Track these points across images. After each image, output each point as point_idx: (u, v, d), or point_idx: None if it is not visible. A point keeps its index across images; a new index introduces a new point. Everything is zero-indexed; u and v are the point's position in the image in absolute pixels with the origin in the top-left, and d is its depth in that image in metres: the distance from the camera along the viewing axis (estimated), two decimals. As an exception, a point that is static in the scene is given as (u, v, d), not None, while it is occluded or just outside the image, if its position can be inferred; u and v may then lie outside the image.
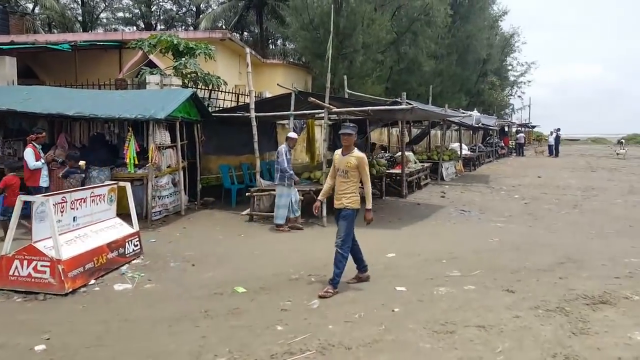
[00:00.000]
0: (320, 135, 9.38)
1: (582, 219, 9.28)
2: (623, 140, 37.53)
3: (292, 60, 22.63)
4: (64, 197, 5.55)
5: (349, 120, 9.47)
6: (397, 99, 9.68)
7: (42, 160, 7.76)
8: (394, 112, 10.10)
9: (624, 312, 4.05)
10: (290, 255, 6.49)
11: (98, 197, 6.24)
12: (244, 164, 11.31)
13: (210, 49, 11.21)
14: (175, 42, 10.78)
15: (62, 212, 5.50)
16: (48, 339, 3.96)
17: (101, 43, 13.33)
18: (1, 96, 8.87)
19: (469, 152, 21.01)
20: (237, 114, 10.03)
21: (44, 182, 7.81)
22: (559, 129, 29.84)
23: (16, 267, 5.07)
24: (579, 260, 5.94)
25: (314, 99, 8.56)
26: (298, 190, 8.79)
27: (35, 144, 7.84)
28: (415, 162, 14.25)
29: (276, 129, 12.47)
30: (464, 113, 18.39)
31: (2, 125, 9.29)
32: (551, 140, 30.35)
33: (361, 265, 5.23)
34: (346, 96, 11.84)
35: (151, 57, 12.36)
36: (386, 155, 14.68)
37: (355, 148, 5.03)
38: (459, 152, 18.80)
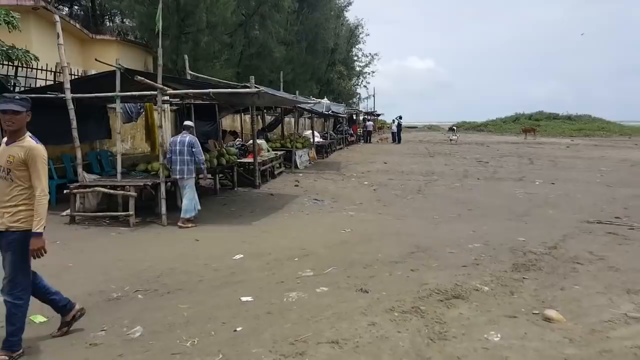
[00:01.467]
0: (161, 121, 8.14)
1: (426, 204, 9.78)
2: (455, 127, 40.86)
3: (129, 37, 20.02)
4: None
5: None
6: (246, 84, 8.98)
7: None
8: (242, 97, 9.40)
9: (476, 307, 3.98)
10: (114, 266, 5.35)
11: None
12: (66, 155, 9.43)
13: (13, 17, 8.93)
14: None
15: None
16: None
17: None
18: None
19: (321, 140, 21.44)
20: (48, 95, 8.16)
21: None
22: (400, 117, 32.52)
23: None
24: (428, 248, 5.97)
25: (142, 78, 7.32)
26: (130, 186, 7.56)
27: None
28: (269, 151, 13.83)
29: (107, 114, 10.68)
30: (314, 100, 18.59)
31: None
32: (394, 127, 32.96)
33: (61, 305, 3.59)
34: (188, 77, 10.71)
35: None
36: (237, 143, 13.93)
37: (29, 135, 3.26)
38: (311, 140, 19.00)
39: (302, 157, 16.48)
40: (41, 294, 3.53)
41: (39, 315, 3.92)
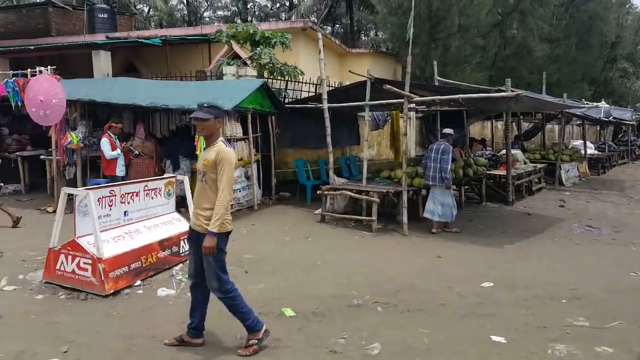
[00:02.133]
0: (406, 128, 8.14)
1: None
2: None
3: (381, 49, 21.39)
4: (112, 190, 5.19)
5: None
6: (501, 87, 8.10)
7: (118, 150, 7.80)
8: (495, 102, 8.51)
9: None
10: (356, 271, 5.48)
11: (153, 191, 5.84)
12: (321, 159, 10.53)
13: (286, 38, 10.60)
14: (251, 31, 10.37)
15: (110, 206, 5.16)
16: (65, 351, 3.52)
17: (190, 37, 13.52)
18: (88, 87, 9.11)
19: (596, 152, 17.79)
20: (309, 105, 9.25)
21: (120, 171, 7.89)
22: None
23: (62, 262, 4.81)
24: None
25: (390, 86, 7.40)
26: (374, 192, 7.75)
27: (110, 134, 7.87)
28: (525, 162, 12.25)
29: (357, 122, 11.47)
30: (588, 104, 15.60)
31: (92, 115, 9.56)
32: None
33: (197, 324, 3.60)
34: (436, 83, 10.43)
35: (236, 48, 12.23)
36: (487, 153, 12.86)
37: (221, 140, 3.44)
38: (582, 152, 16.00)
39: (569, 171, 13.99)
40: (200, 301, 3.60)
41: (288, 309, 4.25)
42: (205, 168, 3.38)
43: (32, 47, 12.16)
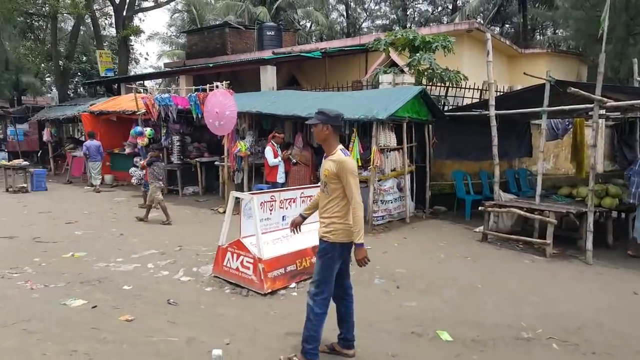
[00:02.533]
0: (595, 139, 7.05)
1: None
2: None
3: (561, 48, 19.14)
4: (272, 195, 5.63)
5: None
6: None
7: (279, 158, 8.52)
8: None
9: None
10: (526, 300, 4.90)
11: (309, 198, 6.14)
12: (484, 171, 9.83)
13: (448, 41, 10.20)
14: (411, 37, 10.26)
15: (270, 210, 5.60)
16: (228, 343, 3.87)
17: (348, 48, 14.08)
18: (255, 100, 10.17)
19: None
20: (472, 112, 8.69)
21: (280, 178, 8.60)
22: None
23: (228, 259, 5.37)
24: None
25: (575, 90, 6.46)
26: (550, 211, 6.88)
27: (274, 143, 8.63)
28: None
29: (529, 130, 10.41)
30: None
31: (258, 125, 10.65)
32: None
33: (345, 335, 3.63)
34: (636, 85, 8.85)
35: (393, 56, 12.31)
36: None
37: (340, 148, 3.41)
38: None
39: None
40: (344, 312, 3.63)
41: (445, 332, 3.99)
42: (326, 178, 3.42)
43: (211, 65, 14.14)
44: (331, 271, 3.42)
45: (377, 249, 6.95)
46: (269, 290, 4.97)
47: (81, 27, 23.14)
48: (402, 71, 10.62)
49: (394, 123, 8.32)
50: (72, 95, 25.80)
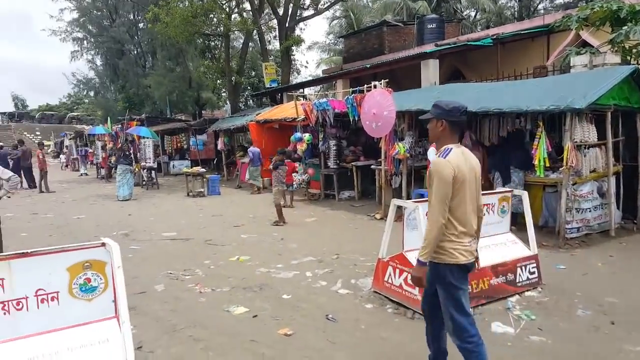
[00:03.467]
0: None
1: None
2: None
3: None
4: (441, 201, 4.96)
5: None
6: None
7: None
8: None
9: None
10: None
11: (486, 207, 5.32)
12: None
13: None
14: (614, 7, 8.47)
15: (439, 219, 4.94)
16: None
17: (525, 32, 12.53)
18: (416, 97, 9.57)
19: None
20: None
21: None
22: None
23: (390, 274, 4.91)
24: None
25: None
26: None
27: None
28: None
29: None
30: None
31: (418, 125, 10.02)
32: None
33: (431, 356, 3.26)
34: None
35: (584, 35, 10.51)
36: None
37: (446, 147, 2.87)
38: None
39: None
40: (435, 335, 3.20)
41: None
42: (427, 184, 3.00)
43: (368, 66, 13.98)
44: (459, 300, 2.88)
45: (573, 269, 5.79)
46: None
47: (250, 44, 25.57)
48: (599, 51, 8.87)
49: (593, 113, 6.89)
50: (242, 107, 28.66)
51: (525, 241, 5.35)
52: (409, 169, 9.59)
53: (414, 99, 9.34)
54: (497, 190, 5.69)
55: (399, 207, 4.90)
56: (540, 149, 7.20)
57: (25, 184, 16.33)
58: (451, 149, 2.85)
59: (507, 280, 5.02)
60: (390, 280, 4.89)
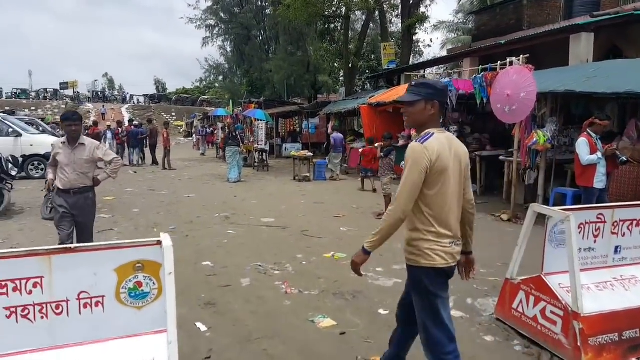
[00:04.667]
0: None
1: None
2: None
3: None
4: (601, 214, 3.66)
5: None
6: None
7: (599, 154, 6.15)
8: None
9: None
10: None
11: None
12: None
13: None
14: None
15: (595, 236, 3.68)
16: None
17: None
18: (563, 76, 7.92)
19: None
20: None
21: (599, 182, 6.24)
22: None
23: (520, 301, 3.79)
24: None
25: None
26: None
27: (590, 133, 6.32)
28: None
29: None
30: None
31: (564, 110, 8.33)
32: None
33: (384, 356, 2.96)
34: None
35: None
36: None
37: (430, 131, 2.47)
38: None
39: None
40: (400, 341, 2.89)
41: None
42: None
43: (502, 42, 12.23)
44: (435, 309, 2.51)
45: None
46: (588, 365, 3.17)
47: (370, 25, 24.58)
48: None
49: None
50: (359, 91, 27.98)
51: None
52: (548, 163, 8.04)
53: (560, 79, 7.72)
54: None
55: (541, 215, 3.72)
56: None
57: (149, 161, 17.55)
58: (432, 133, 2.46)
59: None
60: (520, 309, 3.77)
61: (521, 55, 7.88)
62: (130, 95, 57.65)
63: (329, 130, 16.95)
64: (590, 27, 9.96)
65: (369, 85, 29.71)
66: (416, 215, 2.47)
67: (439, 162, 2.40)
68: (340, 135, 13.77)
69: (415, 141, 2.46)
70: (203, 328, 3.84)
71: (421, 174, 2.38)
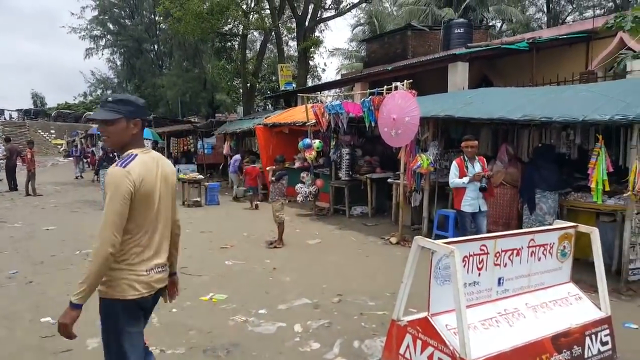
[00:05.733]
0: None
1: None
2: None
3: None
4: (484, 246, 3.44)
5: None
6: None
7: (466, 179, 6.12)
8: None
9: None
10: None
11: (542, 248, 3.81)
12: None
13: None
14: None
15: (479, 269, 3.43)
16: None
17: (564, 37, 11.03)
18: (443, 102, 8.08)
19: None
20: None
21: (467, 205, 6.12)
22: None
23: (407, 345, 3.41)
24: None
25: None
26: None
27: (464, 156, 6.32)
28: None
29: None
30: None
31: (445, 134, 8.49)
32: None
33: None
34: None
35: (631, 43, 8.97)
36: None
37: (133, 153, 2.24)
38: None
39: None
40: None
41: None
42: None
43: (389, 68, 12.51)
44: (119, 342, 2.21)
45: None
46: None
47: (268, 46, 24.29)
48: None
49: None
50: (259, 110, 27.46)
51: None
52: (432, 185, 8.11)
53: (441, 104, 7.85)
54: (557, 226, 4.10)
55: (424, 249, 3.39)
56: (599, 169, 5.70)
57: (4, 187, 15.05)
58: (135, 155, 2.21)
59: (573, 356, 3.49)
60: (408, 355, 3.38)
61: (405, 81, 7.91)
62: (1, 109, 50.60)
63: (225, 151, 16.07)
64: (465, 57, 10.49)
65: (270, 105, 29.33)
66: (129, 244, 2.20)
67: (144, 186, 2.16)
68: (238, 157, 13.64)
69: (116, 165, 2.16)
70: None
71: (125, 200, 2.11)
